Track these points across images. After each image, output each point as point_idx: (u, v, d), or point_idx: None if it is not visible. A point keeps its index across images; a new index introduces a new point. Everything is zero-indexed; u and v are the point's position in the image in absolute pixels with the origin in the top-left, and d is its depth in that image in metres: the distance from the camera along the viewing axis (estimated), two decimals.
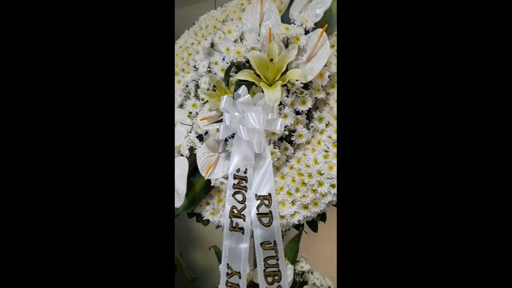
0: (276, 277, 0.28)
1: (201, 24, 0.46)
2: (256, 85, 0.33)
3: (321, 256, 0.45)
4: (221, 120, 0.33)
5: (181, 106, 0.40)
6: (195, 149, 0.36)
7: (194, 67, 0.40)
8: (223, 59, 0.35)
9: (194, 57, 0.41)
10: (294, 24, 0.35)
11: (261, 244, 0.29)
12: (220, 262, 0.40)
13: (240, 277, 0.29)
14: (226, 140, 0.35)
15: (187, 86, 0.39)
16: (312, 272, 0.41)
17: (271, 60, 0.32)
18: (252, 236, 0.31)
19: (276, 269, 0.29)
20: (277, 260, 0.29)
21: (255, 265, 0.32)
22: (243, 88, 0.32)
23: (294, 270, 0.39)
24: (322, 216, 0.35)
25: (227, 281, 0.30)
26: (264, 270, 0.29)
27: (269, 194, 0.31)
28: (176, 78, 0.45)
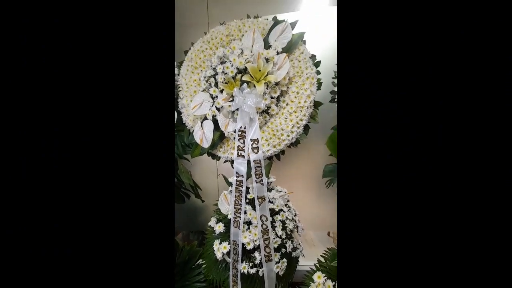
0: (260, 175, 0.61)
1: (212, 35, 0.71)
2: (250, 82, 0.62)
3: (280, 177, 0.81)
4: (232, 100, 0.62)
5: (204, 90, 0.67)
6: (216, 115, 0.65)
7: (211, 67, 0.66)
8: (232, 65, 0.63)
9: (210, 59, 0.67)
10: (271, 47, 0.64)
11: (254, 161, 0.62)
12: (228, 183, 0.72)
13: (243, 178, 0.62)
14: (233, 112, 0.64)
15: (209, 78, 0.66)
16: (275, 185, 0.76)
17: (260, 70, 0.61)
18: (248, 159, 0.62)
19: (260, 171, 0.62)
20: (261, 169, 0.62)
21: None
22: (245, 84, 0.61)
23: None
24: (282, 152, 0.68)
25: (236, 181, 0.62)
26: (255, 173, 0.61)
27: (257, 138, 0.62)
28: (196, 71, 0.71)
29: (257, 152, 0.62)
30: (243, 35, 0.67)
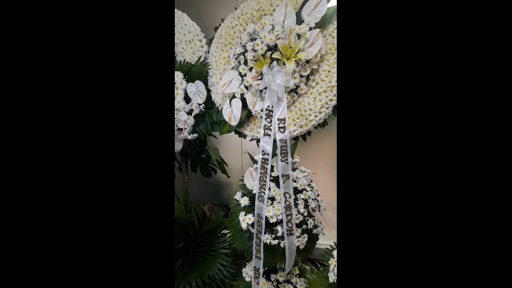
0: (286, 154, 0.63)
1: (242, 10, 0.69)
2: (280, 60, 0.61)
3: (304, 157, 0.81)
4: (261, 78, 0.62)
5: (233, 68, 0.67)
6: (244, 94, 0.66)
7: (240, 44, 0.66)
8: (262, 42, 0.62)
9: (240, 36, 0.66)
10: (303, 22, 0.61)
11: (280, 140, 0.62)
12: (253, 160, 0.75)
13: (268, 156, 0.63)
14: (261, 91, 0.64)
15: (239, 56, 0.66)
16: (299, 165, 0.77)
17: (290, 47, 0.59)
18: (274, 137, 0.64)
19: (285, 151, 0.63)
20: (287, 148, 0.63)
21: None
22: (275, 62, 0.60)
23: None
24: (308, 133, 0.67)
25: (261, 159, 0.64)
26: (280, 152, 0.63)
27: (284, 118, 0.62)
28: (225, 48, 0.71)
29: (283, 132, 0.63)
30: (274, 10, 0.65)
